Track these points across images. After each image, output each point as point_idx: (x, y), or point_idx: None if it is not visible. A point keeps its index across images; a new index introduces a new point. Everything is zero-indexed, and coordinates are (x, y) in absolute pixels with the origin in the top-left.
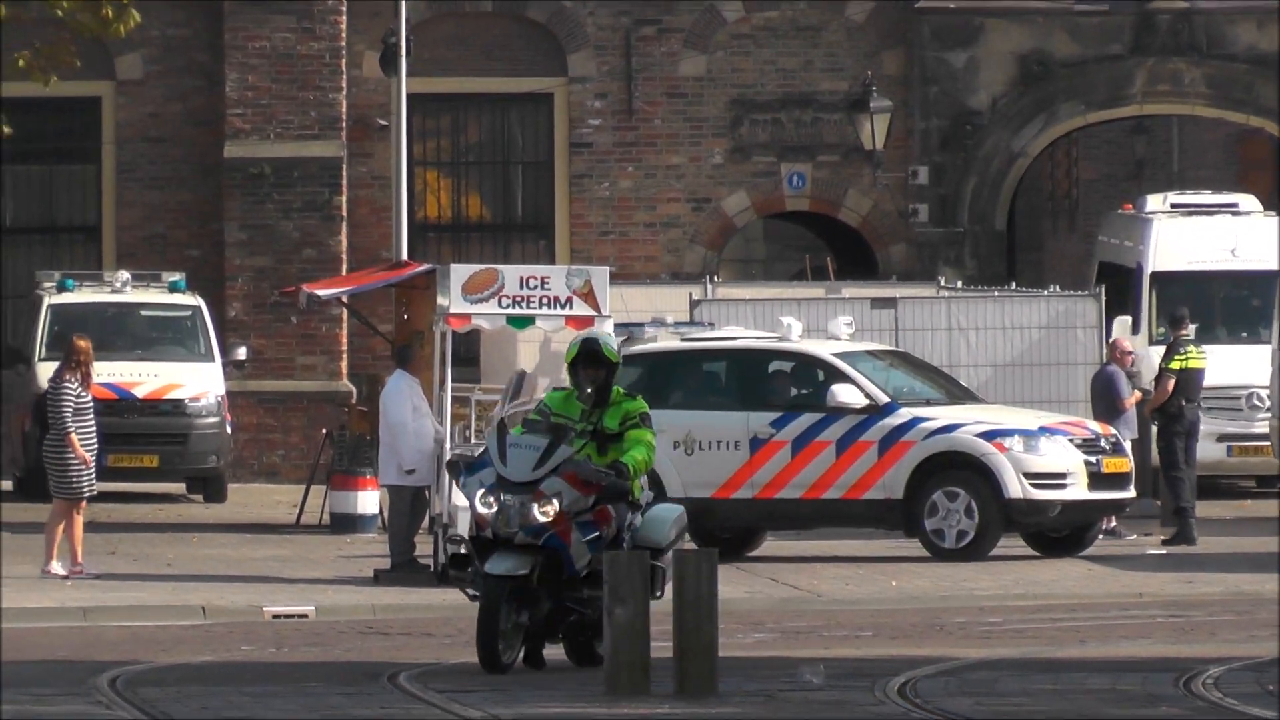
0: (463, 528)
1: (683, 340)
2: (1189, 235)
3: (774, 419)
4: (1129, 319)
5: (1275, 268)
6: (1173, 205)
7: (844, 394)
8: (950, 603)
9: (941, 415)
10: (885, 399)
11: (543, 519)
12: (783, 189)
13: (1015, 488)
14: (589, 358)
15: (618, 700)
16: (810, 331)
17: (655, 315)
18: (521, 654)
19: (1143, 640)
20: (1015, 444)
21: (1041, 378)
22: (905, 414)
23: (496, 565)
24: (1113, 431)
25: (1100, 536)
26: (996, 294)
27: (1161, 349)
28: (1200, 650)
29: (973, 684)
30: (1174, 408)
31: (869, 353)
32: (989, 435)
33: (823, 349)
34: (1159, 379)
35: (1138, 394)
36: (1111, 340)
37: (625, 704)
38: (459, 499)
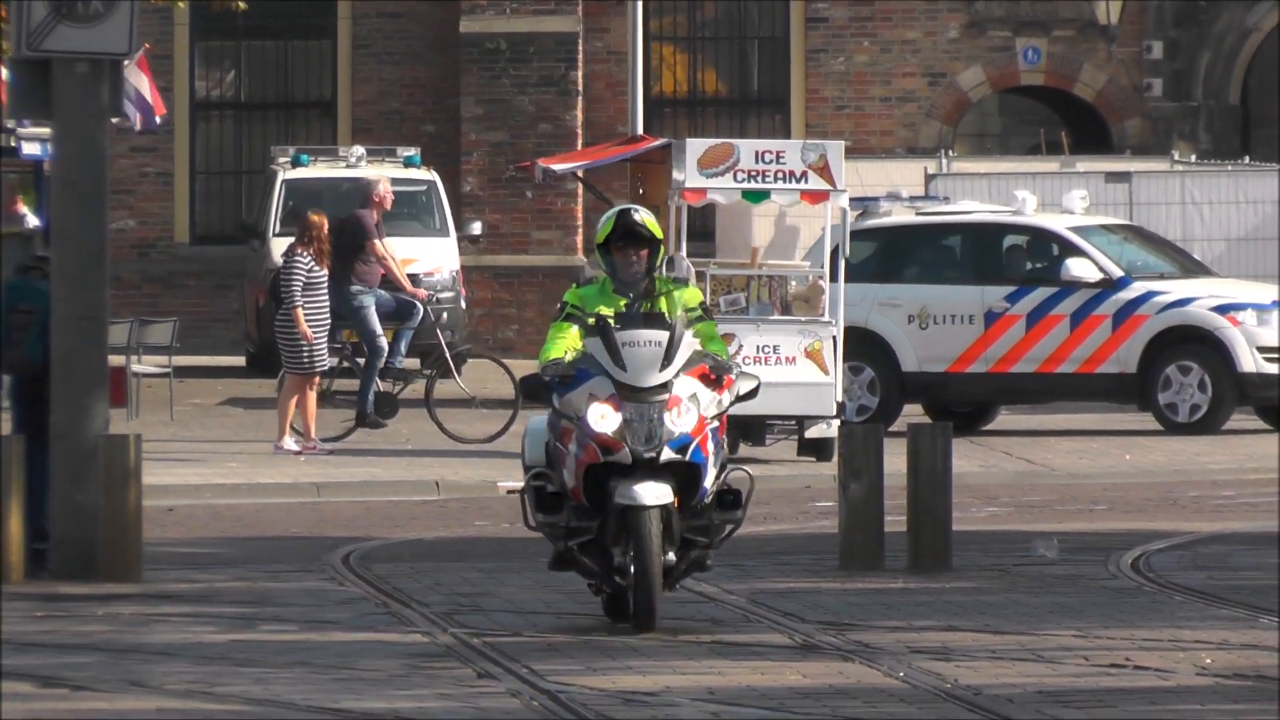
0: (533, 455)
1: (917, 215)
2: None
3: (1008, 293)
4: None
5: None
6: None
7: (1078, 268)
8: (1183, 477)
9: (1175, 289)
10: (1119, 273)
11: (685, 428)
12: (1018, 63)
13: (1248, 361)
14: (627, 234)
15: (852, 575)
16: (1044, 206)
17: (890, 190)
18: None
19: None
20: (1249, 318)
21: (1275, 252)
22: (1139, 288)
23: (647, 493)
24: None
25: None
26: (1230, 168)
27: None
28: None
29: (1206, 558)
30: None
31: (1103, 227)
32: (1222, 309)
33: (1057, 223)
34: None
35: None
36: None
37: (859, 579)
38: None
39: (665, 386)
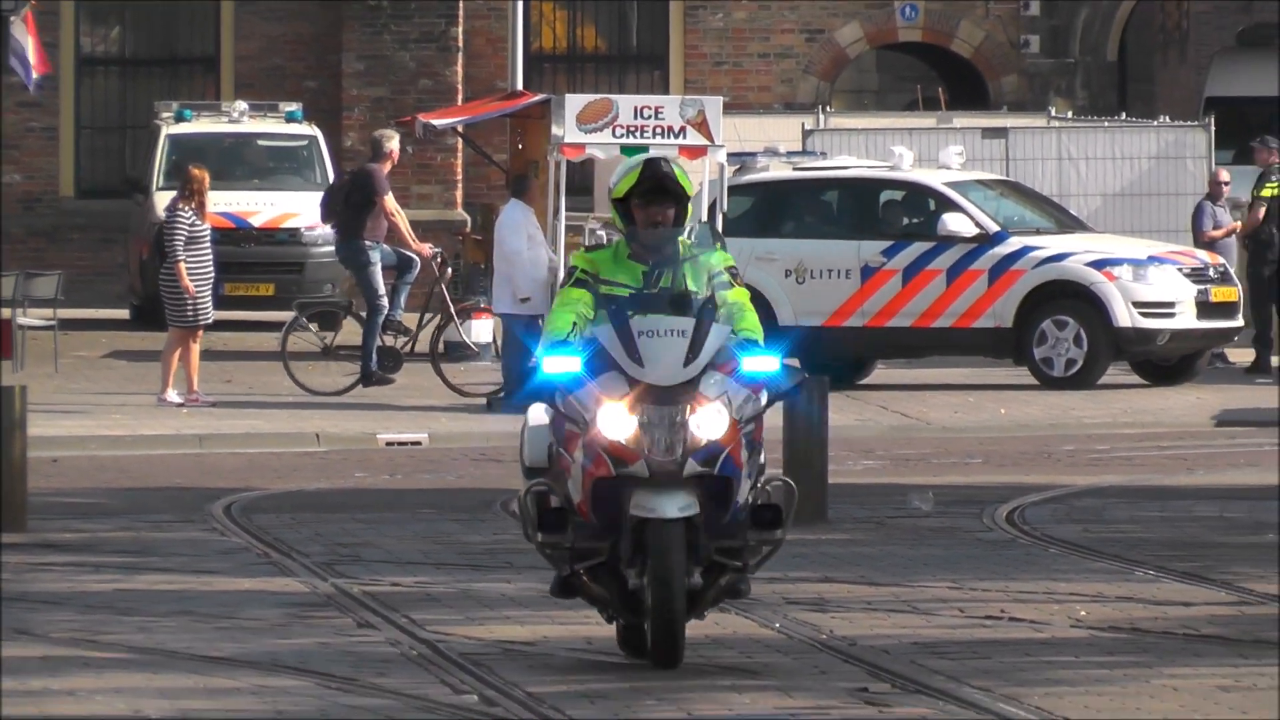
0: (534, 456)
1: (795, 170)
2: None
3: (885, 248)
4: None
5: None
6: None
7: (954, 223)
8: (1058, 431)
9: (1051, 244)
10: (995, 228)
11: (713, 436)
12: (896, 20)
13: (1124, 316)
14: (654, 189)
15: None
16: (921, 161)
17: (768, 145)
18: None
19: (1250, 468)
20: (1124, 273)
21: (1151, 208)
22: (1015, 243)
23: (669, 504)
24: (1221, 260)
25: (1211, 365)
26: (1107, 124)
27: None
28: None
29: (1080, 511)
30: (1265, 235)
31: (979, 182)
32: (1098, 264)
33: (934, 178)
34: (1250, 206)
35: (1235, 224)
36: (1215, 170)
37: None
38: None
39: (691, 385)
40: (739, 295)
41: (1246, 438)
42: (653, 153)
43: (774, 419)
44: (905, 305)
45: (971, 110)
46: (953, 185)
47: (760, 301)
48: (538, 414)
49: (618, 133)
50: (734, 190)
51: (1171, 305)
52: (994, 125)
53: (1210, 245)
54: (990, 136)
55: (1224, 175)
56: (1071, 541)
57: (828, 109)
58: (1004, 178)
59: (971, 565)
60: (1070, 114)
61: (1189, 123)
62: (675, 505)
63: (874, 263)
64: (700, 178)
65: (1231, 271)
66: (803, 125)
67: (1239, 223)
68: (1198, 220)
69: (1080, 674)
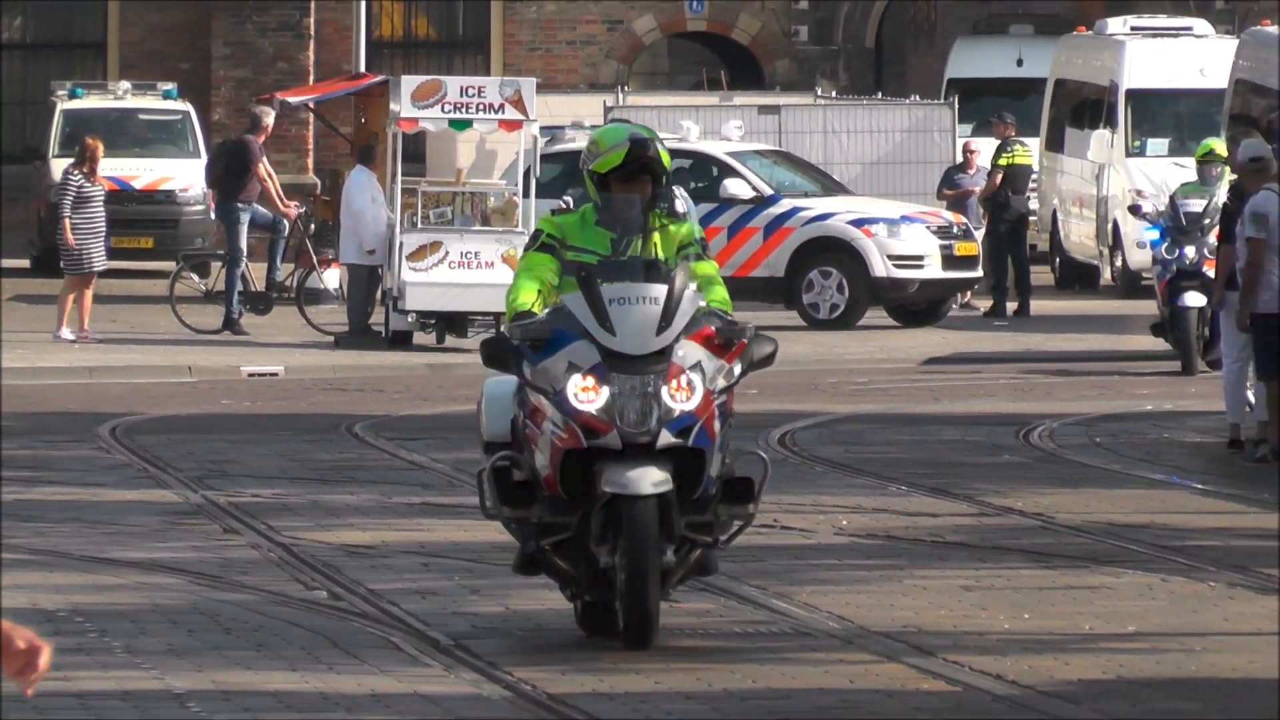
0: (494, 429)
1: None
2: (1159, 56)
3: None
4: (1107, 133)
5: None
6: (1133, 28)
7: (734, 187)
8: (824, 366)
9: (817, 205)
10: (770, 191)
11: (687, 406)
12: (685, 12)
13: (880, 267)
14: (636, 168)
15: None
16: (706, 134)
17: (574, 120)
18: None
19: (988, 398)
20: (880, 230)
21: (903, 174)
22: (786, 204)
23: (642, 479)
24: (964, 219)
25: (955, 308)
26: (865, 102)
27: (1138, 159)
28: (1037, 407)
29: (843, 434)
30: (1001, 197)
31: (756, 152)
32: (858, 223)
33: (717, 149)
34: (990, 174)
35: (973, 188)
36: (964, 142)
37: None
38: (410, 274)
39: (663, 354)
40: (708, 268)
41: (987, 372)
42: (476, 126)
43: None
44: None
45: (749, 90)
46: (733, 154)
47: None
48: (496, 385)
49: (446, 109)
50: (545, 158)
51: (921, 258)
52: (768, 103)
53: (954, 205)
54: (765, 113)
55: (973, 146)
56: (835, 461)
57: (626, 89)
58: (777, 148)
59: None
60: (834, 93)
61: (935, 101)
62: (649, 481)
63: None
64: (517, 148)
65: (972, 229)
66: (604, 103)
67: (976, 187)
68: (942, 184)
69: (842, 575)
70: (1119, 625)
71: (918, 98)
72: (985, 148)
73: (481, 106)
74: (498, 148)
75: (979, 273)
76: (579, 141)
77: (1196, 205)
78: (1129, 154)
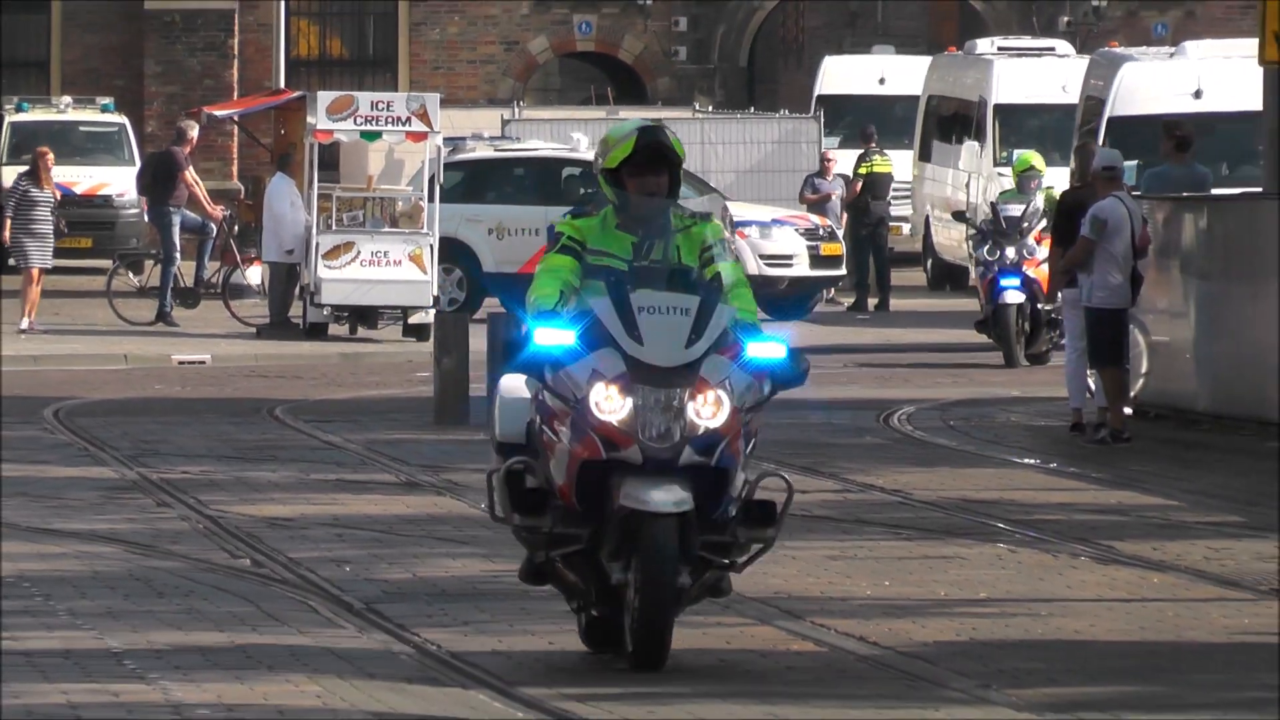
0: (507, 430)
1: (495, 151)
2: (1024, 73)
3: (565, 211)
4: (976, 145)
5: (1133, 112)
6: (1000, 48)
7: None
8: None
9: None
10: None
11: (713, 424)
12: (575, 34)
13: (753, 266)
14: (651, 156)
15: (444, 429)
16: (594, 144)
17: (474, 132)
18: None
19: (852, 385)
20: (753, 232)
21: (773, 181)
22: None
23: (663, 496)
24: (829, 223)
25: (822, 302)
26: (739, 116)
27: (1004, 169)
28: (896, 393)
29: None
30: (862, 203)
31: None
32: (733, 225)
33: None
34: (850, 181)
35: (835, 192)
36: (823, 151)
37: (450, 431)
38: (325, 272)
39: (692, 368)
40: (735, 269)
41: (849, 361)
42: (385, 137)
43: (480, 344)
44: None
45: (633, 105)
46: None
47: (469, 253)
48: (512, 385)
49: (358, 121)
50: (448, 166)
51: (790, 257)
52: (651, 117)
53: (815, 209)
54: None
55: (830, 155)
56: None
57: (521, 104)
58: None
59: None
60: (710, 108)
61: (803, 115)
62: (670, 498)
63: (557, 223)
64: (422, 157)
65: (836, 231)
66: (502, 116)
67: (839, 191)
68: (803, 189)
69: None
70: (971, 591)
71: (786, 112)
72: (844, 158)
73: (390, 119)
74: (405, 157)
75: (843, 270)
76: (479, 151)
77: (1015, 210)
78: (996, 164)
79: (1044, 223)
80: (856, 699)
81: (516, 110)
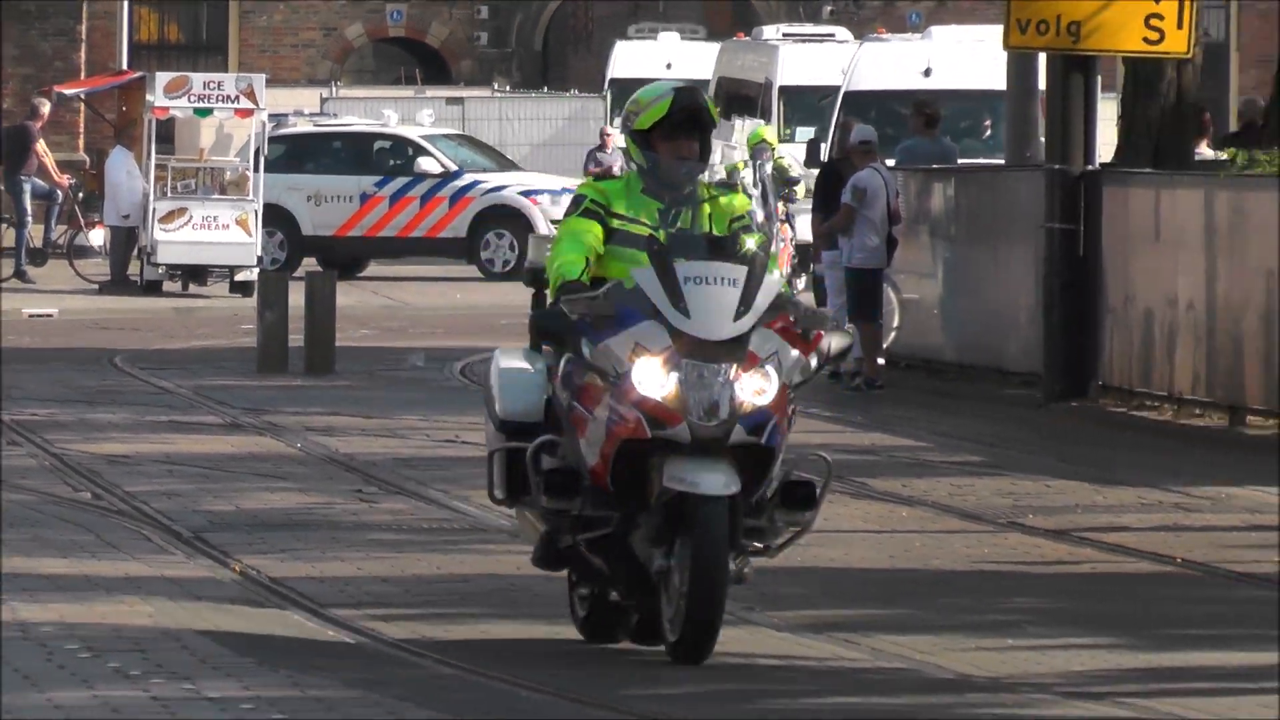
0: (510, 406)
1: (315, 126)
2: (806, 57)
3: (377, 180)
4: (761, 121)
5: (866, 88)
6: (785, 34)
7: (426, 164)
8: (498, 310)
9: (494, 179)
10: (455, 168)
11: (761, 401)
12: (387, 21)
13: (544, 230)
14: (686, 119)
15: (266, 376)
16: (403, 120)
17: (296, 109)
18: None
19: None
20: (545, 199)
21: (564, 154)
22: (469, 178)
23: (714, 479)
24: None
25: None
26: (533, 95)
27: (789, 145)
28: None
29: None
30: None
31: (444, 136)
32: (526, 193)
33: (412, 132)
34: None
35: (615, 165)
36: (601, 127)
37: (271, 379)
38: (161, 234)
39: (739, 341)
40: (764, 242)
41: None
42: (217, 114)
43: (299, 300)
44: (391, 221)
45: (439, 85)
46: (425, 137)
47: (290, 218)
48: (510, 360)
49: (192, 99)
50: (272, 140)
51: None
52: (455, 95)
53: (600, 179)
54: (452, 104)
55: (609, 130)
56: None
57: (338, 84)
58: (462, 133)
59: (436, 404)
60: (508, 88)
61: (591, 95)
62: (720, 480)
63: (369, 191)
64: (249, 131)
65: None
66: (321, 95)
67: (619, 163)
68: (586, 164)
69: None
70: None
71: (576, 92)
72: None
73: (221, 98)
74: (234, 131)
75: None
76: (300, 126)
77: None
78: (780, 140)
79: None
80: None
81: (334, 90)
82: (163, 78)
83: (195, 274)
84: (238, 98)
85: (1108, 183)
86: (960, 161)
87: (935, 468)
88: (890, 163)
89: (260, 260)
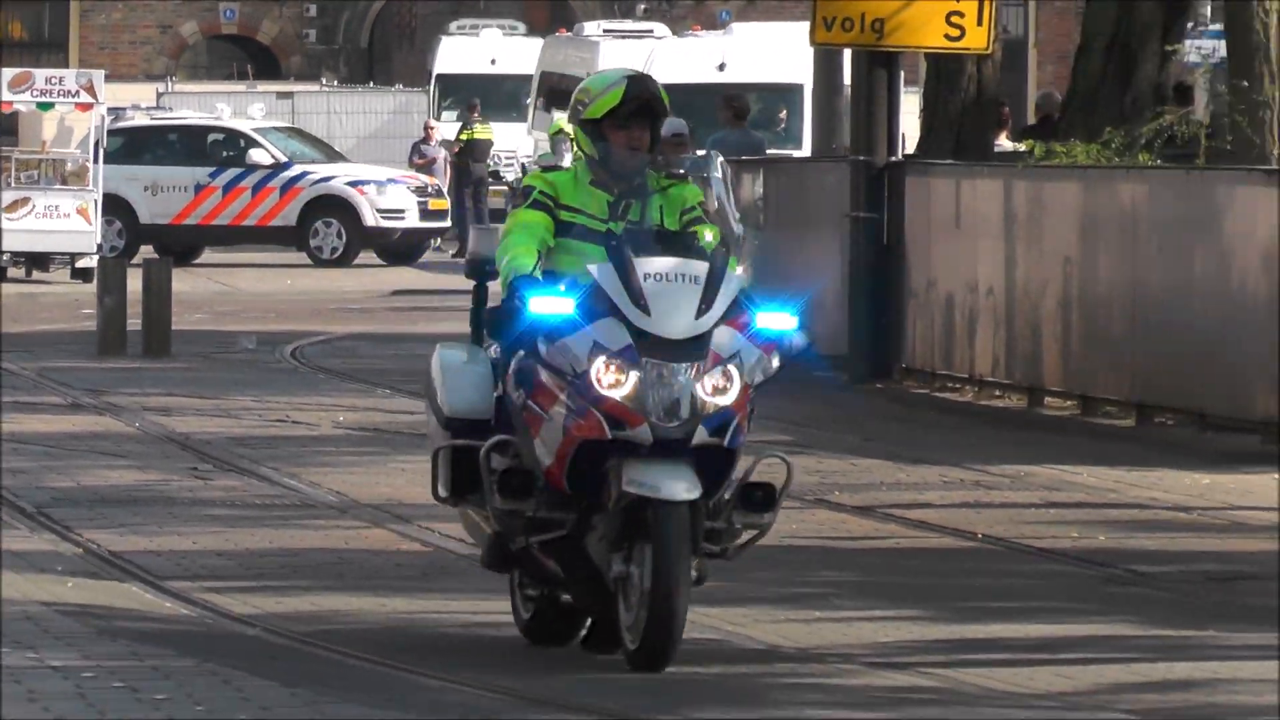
0: (458, 403)
1: (151, 119)
2: (625, 52)
3: (211, 171)
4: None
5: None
6: (605, 30)
7: (257, 155)
8: (327, 296)
9: (322, 170)
10: (285, 159)
11: (723, 401)
12: (220, 19)
13: (370, 218)
14: (639, 108)
15: (106, 359)
16: (236, 114)
17: (134, 103)
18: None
19: (454, 321)
20: (371, 190)
21: (389, 146)
22: (298, 169)
23: (675, 483)
24: (436, 181)
25: (430, 250)
26: (360, 90)
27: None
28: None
29: (341, 349)
30: (463, 165)
31: (275, 129)
32: (353, 183)
33: (244, 125)
34: (449, 145)
35: (439, 154)
36: (425, 121)
37: (111, 361)
38: (5, 223)
39: (701, 340)
40: (716, 236)
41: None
42: (58, 108)
43: (137, 285)
44: (224, 210)
45: (270, 80)
46: (257, 130)
47: (129, 207)
48: (453, 355)
49: (35, 94)
50: (111, 133)
51: (402, 211)
52: (285, 90)
53: (426, 170)
54: (282, 98)
55: (432, 124)
56: (334, 370)
57: (174, 79)
58: (291, 126)
59: (268, 385)
60: (336, 82)
61: (415, 89)
62: (682, 485)
63: (203, 181)
64: (89, 125)
65: (442, 189)
66: (157, 90)
67: (442, 155)
68: (411, 154)
69: (340, 459)
70: None
71: (401, 86)
72: (447, 127)
73: (62, 92)
74: (74, 124)
75: (448, 223)
76: (137, 120)
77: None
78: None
79: None
80: (456, 592)
81: (170, 85)
82: (7, 73)
83: (38, 261)
84: (78, 92)
85: (910, 173)
86: (768, 152)
87: (746, 447)
88: (701, 153)
89: (100, 248)
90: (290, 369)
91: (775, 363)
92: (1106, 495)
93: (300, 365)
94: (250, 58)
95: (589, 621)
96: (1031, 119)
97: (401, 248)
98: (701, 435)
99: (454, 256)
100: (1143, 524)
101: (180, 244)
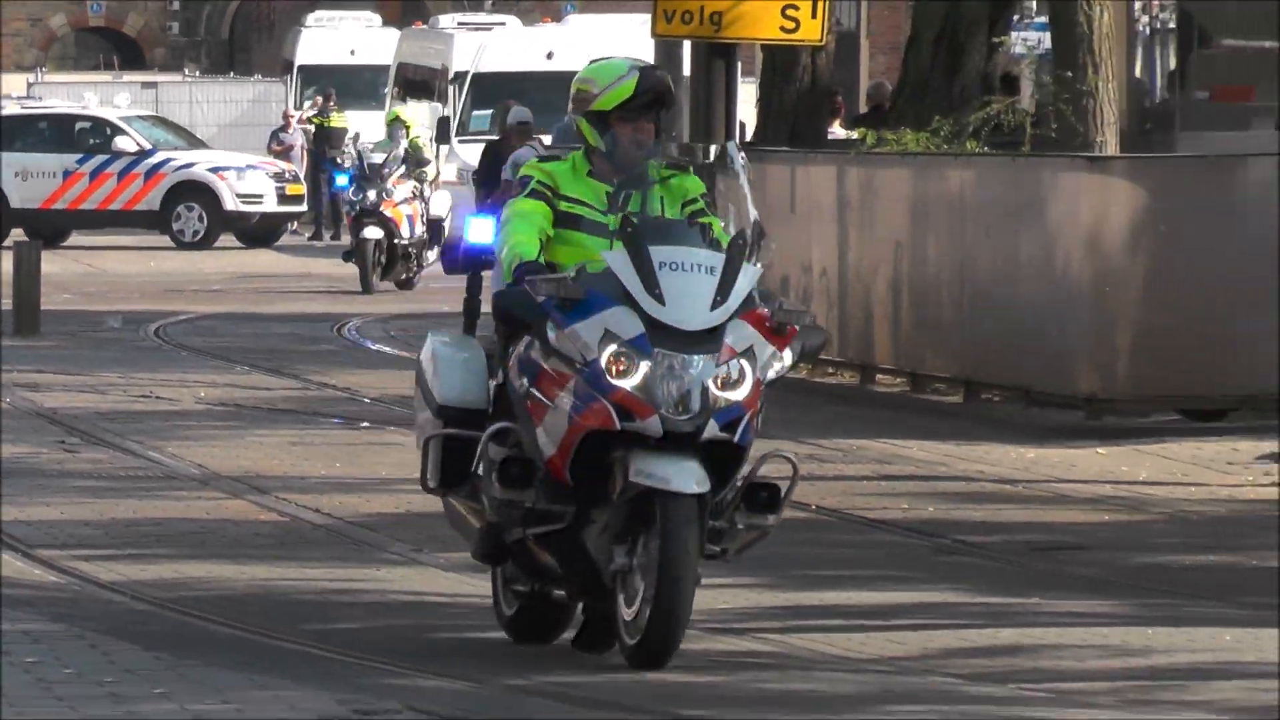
0: (449, 391)
1: (22, 108)
2: (477, 44)
3: (79, 158)
4: (438, 104)
5: (492, 69)
6: (460, 23)
7: (123, 142)
8: (188, 277)
9: (185, 157)
10: (149, 146)
11: (735, 396)
12: (88, 12)
13: (230, 203)
14: (652, 100)
15: None
16: (103, 103)
17: (5, 93)
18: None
19: (310, 301)
20: (231, 175)
21: (249, 134)
22: (161, 155)
23: (684, 475)
24: (294, 168)
25: (287, 234)
26: (221, 80)
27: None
28: (347, 309)
29: (202, 328)
30: (320, 151)
31: (140, 117)
32: (214, 169)
33: (110, 113)
34: (307, 133)
35: (296, 142)
36: (283, 109)
37: None
38: None
39: (715, 332)
40: (719, 226)
41: (310, 282)
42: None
43: (8, 266)
44: (91, 195)
45: (135, 70)
46: (123, 118)
47: (1, 192)
48: (444, 343)
49: None
50: None
51: (261, 196)
52: (149, 80)
53: (284, 157)
54: (147, 88)
55: (290, 112)
56: (196, 348)
57: (44, 69)
58: (155, 114)
59: (133, 363)
60: (198, 73)
61: (274, 79)
62: (692, 477)
63: (71, 168)
64: None
65: (299, 175)
66: (28, 80)
67: (299, 142)
68: (269, 141)
69: (201, 433)
70: (408, 472)
71: (260, 77)
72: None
73: None
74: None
75: (304, 207)
76: (8, 109)
77: (379, 157)
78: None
79: (403, 168)
80: (313, 560)
81: (39, 75)
82: None
83: None
84: None
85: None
86: None
87: None
88: (547, 140)
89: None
90: (154, 347)
91: (789, 359)
92: (935, 468)
93: (163, 343)
94: (116, 49)
95: (580, 620)
96: (864, 108)
97: (260, 231)
98: (712, 429)
99: (309, 240)
100: (970, 496)
101: (49, 228)
